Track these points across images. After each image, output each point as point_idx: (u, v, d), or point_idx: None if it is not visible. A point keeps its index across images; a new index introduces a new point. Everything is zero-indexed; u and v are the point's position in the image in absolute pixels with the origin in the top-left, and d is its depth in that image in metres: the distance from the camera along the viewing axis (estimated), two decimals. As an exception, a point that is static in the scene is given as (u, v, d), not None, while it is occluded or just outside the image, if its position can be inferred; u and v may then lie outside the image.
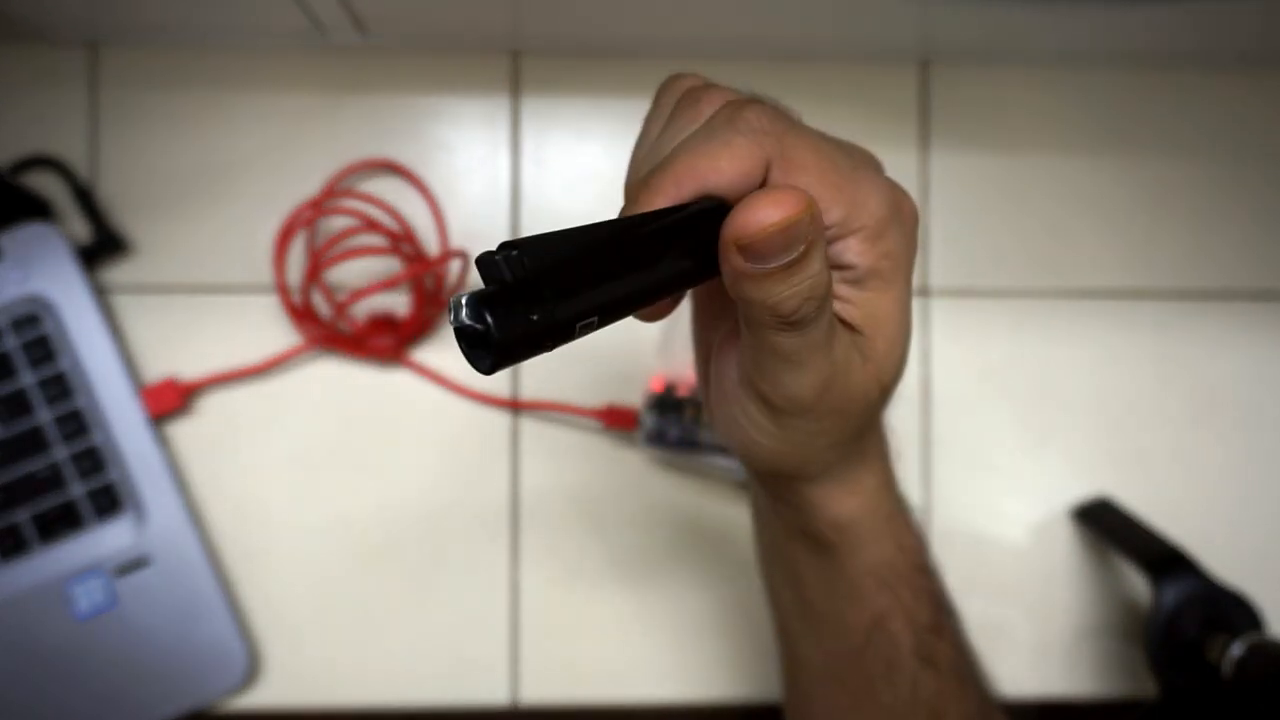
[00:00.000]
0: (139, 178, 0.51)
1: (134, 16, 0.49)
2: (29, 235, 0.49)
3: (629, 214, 0.24)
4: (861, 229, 0.25)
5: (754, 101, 0.25)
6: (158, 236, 0.51)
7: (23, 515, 0.48)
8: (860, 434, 0.29)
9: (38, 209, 0.49)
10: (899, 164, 0.53)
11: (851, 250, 0.25)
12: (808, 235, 0.22)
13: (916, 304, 0.53)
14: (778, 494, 0.31)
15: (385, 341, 0.49)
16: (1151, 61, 0.54)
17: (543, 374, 0.51)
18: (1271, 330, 0.54)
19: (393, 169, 0.51)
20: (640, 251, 0.22)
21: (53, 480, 0.48)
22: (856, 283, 0.26)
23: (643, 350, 0.51)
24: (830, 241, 0.25)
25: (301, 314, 0.49)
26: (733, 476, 0.50)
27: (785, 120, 0.25)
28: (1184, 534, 0.48)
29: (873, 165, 0.27)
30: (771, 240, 0.22)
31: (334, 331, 0.50)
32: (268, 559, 0.50)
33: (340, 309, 0.48)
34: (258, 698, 0.49)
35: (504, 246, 0.20)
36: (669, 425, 0.48)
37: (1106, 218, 0.54)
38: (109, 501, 0.48)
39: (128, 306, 0.50)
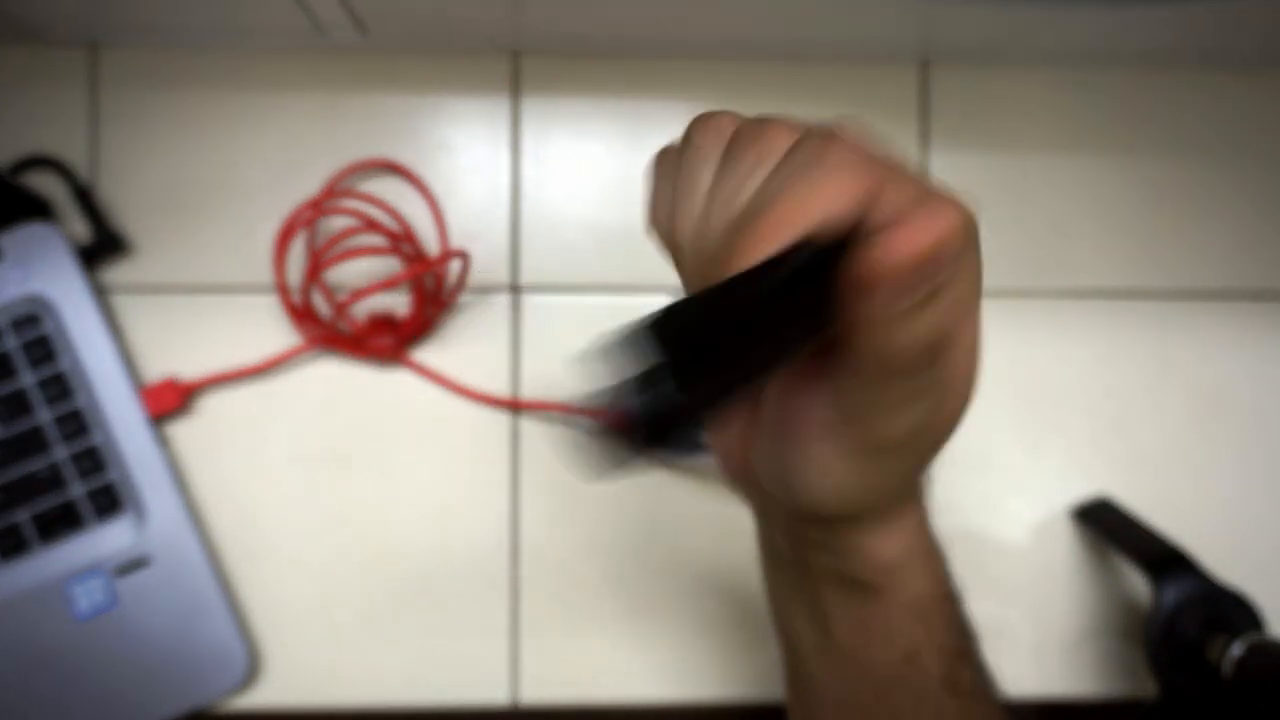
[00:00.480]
0: (139, 178, 0.51)
1: (134, 16, 0.49)
2: (29, 235, 0.49)
3: (723, 275, 0.19)
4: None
5: (831, 133, 0.22)
6: (158, 236, 0.51)
7: (23, 515, 0.48)
8: (915, 472, 0.27)
9: (38, 209, 0.49)
10: (899, 164, 0.53)
11: None
12: (956, 240, 0.20)
13: (916, 304, 0.53)
14: (818, 541, 0.29)
15: (385, 341, 0.49)
16: (1151, 61, 0.54)
17: (543, 374, 0.51)
18: (1272, 330, 0.54)
19: (393, 169, 0.51)
20: (765, 313, 0.18)
21: (53, 480, 0.48)
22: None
23: (643, 350, 0.51)
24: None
25: (301, 314, 0.49)
26: (733, 476, 0.50)
27: (873, 151, 0.22)
28: (1184, 534, 0.48)
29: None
30: (922, 266, 0.19)
31: (334, 331, 0.50)
32: (268, 559, 0.50)
33: (340, 309, 0.48)
34: (258, 697, 0.49)
35: (650, 325, 0.17)
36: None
37: (1107, 217, 0.54)
38: (109, 501, 0.48)
39: (128, 306, 0.50)
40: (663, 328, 0.17)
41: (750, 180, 0.22)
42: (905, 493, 0.28)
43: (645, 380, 0.16)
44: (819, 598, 0.30)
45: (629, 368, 0.17)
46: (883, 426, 0.23)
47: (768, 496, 0.28)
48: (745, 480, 0.29)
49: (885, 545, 0.28)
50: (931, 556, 0.30)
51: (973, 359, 0.24)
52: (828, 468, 0.25)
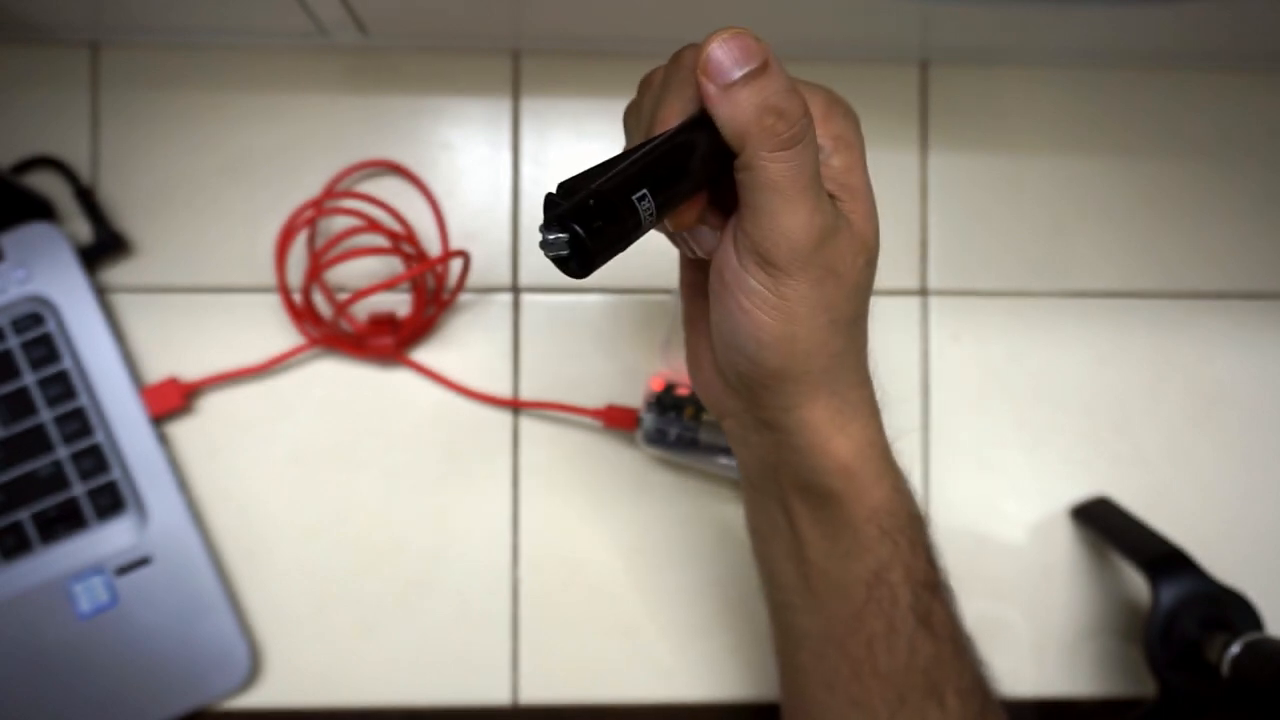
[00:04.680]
0: (140, 178, 0.51)
1: (136, 17, 0.49)
2: (31, 235, 0.49)
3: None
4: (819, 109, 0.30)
5: (674, 56, 0.30)
6: (159, 236, 0.51)
7: (24, 514, 0.48)
8: (855, 319, 0.31)
9: (40, 209, 0.50)
10: (899, 164, 0.53)
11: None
12: (759, 50, 0.27)
13: (915, 304, 0.53)
14: (781, 435, 0.32)
15: (386, 341, 0.49)
16: (1151, 61, 0.54)
17: (543, 374, 0.51)
18: (1270, 330, 0.54)
19: (393, 169, 0.51)
20: (664, 151, 0.28)
21: (54, 479, 0.48)
22: (823, 159, 0.30)
23: (643, 350, 0.51)
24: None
25: (302, 314, 0.49)
26: (733, 476, 0.50)
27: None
28: (1182, 533, 0.49)
29: (812, 84, 0.31)
30: (727, 53, 0.27)
31: (335, 331, 0.50)
32: (269, 558, 0.50)
33: (341, 309, 0.48)
34: (259, 697, 0.49)
35: (559, 186, 0.27)
36: (669, 425, 0.48)
37: (1106, 218, 0.54)
38: (110, 501, 0.48)
39: (129, 306, 0.51)
40: (577, 179, 0.27)
41: (648, 109, 0.31)
42: (846, 365, 0.31)
43: (567, 214, 0.26)
44: (792, 517, 0.34)
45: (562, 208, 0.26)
46: (779, 229, 0.29)
47: (734, 400, 0.34)
48: (715, 390, 0.34)
49: (839, 444, 0.32)
50: (890, 471, 0.33)
51: (864, 203, 0.31)
52: (752, 306, 0.30)
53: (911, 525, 0.33)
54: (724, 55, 0.27)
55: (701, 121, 0.28)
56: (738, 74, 0.27)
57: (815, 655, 0.35)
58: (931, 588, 0.33)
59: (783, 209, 0.28)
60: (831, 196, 0.30)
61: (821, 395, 0.31)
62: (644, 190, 0.26)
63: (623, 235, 0.27)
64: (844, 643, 0.33)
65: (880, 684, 0.33)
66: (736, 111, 0.27)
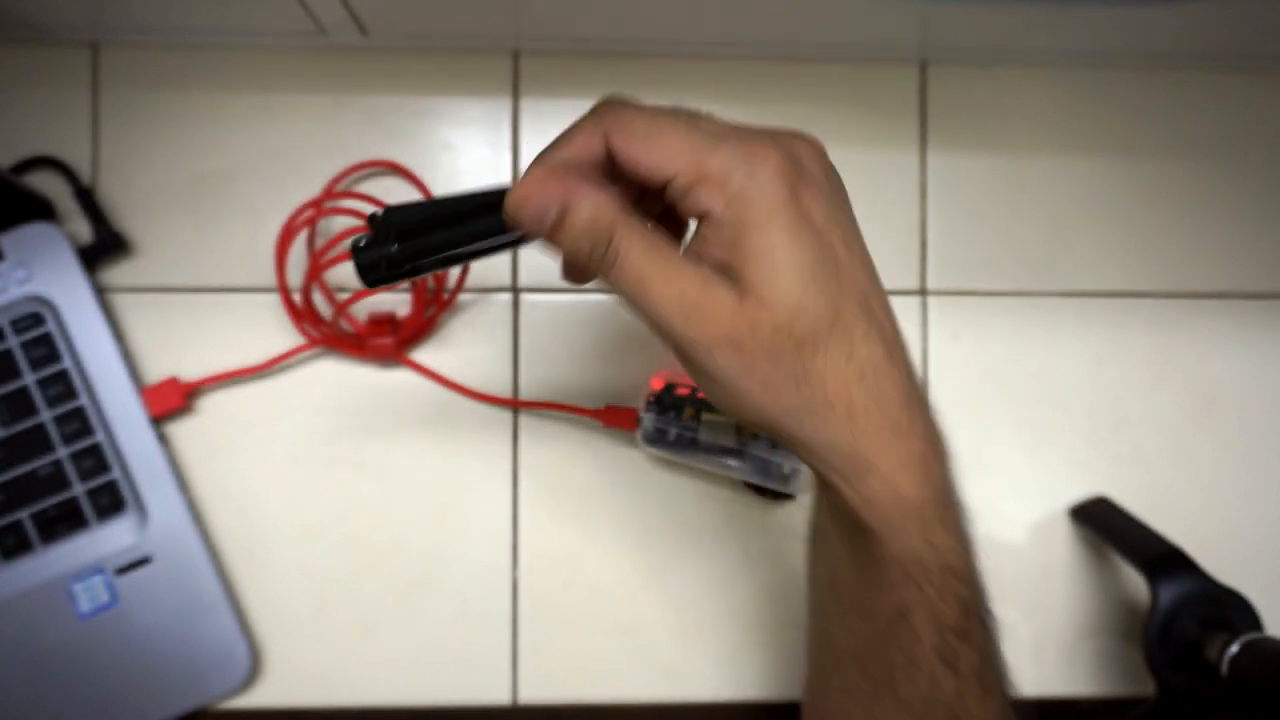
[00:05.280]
0: (141, 178, 0.51)
1: (136, 17, 0.49)
2: (31, 235, 0.49)
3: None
4: (705, 178, 0.29)
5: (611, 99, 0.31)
6: (159, 236, 0.51)
7: (24, 514, 0.48)
8: (799, 379, 0.30)
9: (40, 209, 0.50)
10: (899, 164, 0.53)
11: (702, 198, 0.29)
12: (550, 198, 0.30)
13: (915, 303, 0.53)
14: (801, 459, 0.33)
15: (386, 341, 0.50)
16: (1151, 61, 0.54)
17: (543, 374, 0.51)
18: (1269, 330, 0.54)
19: (393, 169, 0.51)
20: (470, 216, 0.32)
21: (55, 479, 0.48)
22: (719, 224, 0.29)
23: (643, 349, 0.51)
24: (685, 191, 0.30)
25: (302, 314, 0.49)
26: (733, 475, 0.50)
27: (635, 106, 0.31)
28: (1181, 533, 0.49)
29: (737, 136, 0.30)
30: (520, 217, 0.30)
31: (335, 331, 0.50)
32: (269, 558, 0.50)
33: (341, 309, 0.48)
34: (259, 697, 0.49)
35: (385, 210, 0.33)
36: (669, 424, 0.48)
37: (1105, 218, 0.54)
38: (111, 500, 0.48)
39: (129, 306, 0.51)
40: (393, 212, 0.33)
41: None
42: (816, 413, 0.30)
43: (376, 237, 0.33)
44: (831, 534, 0.34)
45: (375, 231, 0.33)
46: (652, 325, 0.31)
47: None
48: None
49: (868, 483, 0.31)
50: (926, 519, 0.32)
51: (768, 269, 0.29)
52: (702, 388, 0.32)
53: (946, 577, 0.32)
54: (528, 216, 0.30)
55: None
56: (547, 225, 0.30)
57: (839, 664, 0.35)
58: (962, 634, 0.32)
59: (644, 305, 0.30)
60: (725, 265, 0.30)
61: (814, 441, 0.31)
62: (430, 256, 0.33)
63: (399, 272, 0.33)
64: (865, 663, 0.33)
65: (899, 708, 0.32)
66: (559, 251, 0.31)
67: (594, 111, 0.31)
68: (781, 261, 0.29)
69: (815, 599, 0.36)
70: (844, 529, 0.33)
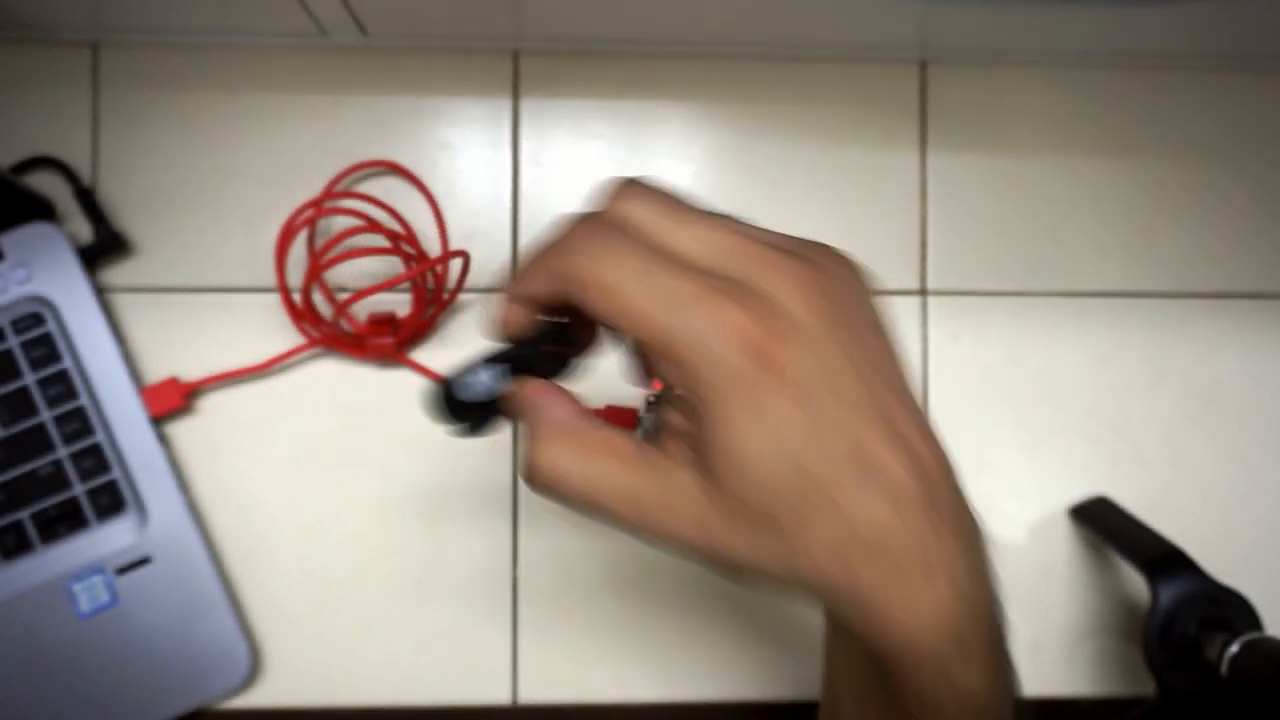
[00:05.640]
0: (141, 178, 0.51)
1: (136, 17, 0.49)
2: (31, 235, 0.49)
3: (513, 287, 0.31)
4: (665, 352, 0.26)
5: (591, 226, 0.28)
6: (159, 237, 0.51)
7: (24, 514, 0.48)
8: (785, 553, 0.27)
9: (40, 209, 0.50)
10: (899, 164, 0.53)
11: (663, 372, 0.27)
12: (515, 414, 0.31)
13: (915, 304, 0.53)
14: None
15: (386, 341, 0.50)
16: (1151, 61, 0.54)
17: (543, 374, 0.51)
18: (1269, 330, 0.54)
19: (393, 169, 0.51)
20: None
21: (55, 479, 0.48)
22: (681, 400, 0.27)
23: (643, 350, 0.51)
24: (650, 357, 0.27)
25: (302, 314, 0.49)
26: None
27: (616, 249, 0.27)
28: (1181, 533, 0.48)
29: (709, 294, 0.26)
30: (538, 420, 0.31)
31: (335, 331, 0.50)
32: (269, 558, 0.50)
33: (341, 309, 0.48)
34: (259, 697, 0.49)
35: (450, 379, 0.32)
36: (669, 425, 0.48)
37: (1105, 218, 0.54)
38: (111, 500, 0.48)
39: (129, 306, 0.51)
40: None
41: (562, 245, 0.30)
42: (804, 568, 0.27)
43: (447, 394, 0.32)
44: (855, 664, 0.31)
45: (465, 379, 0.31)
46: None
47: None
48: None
49: (887, 627, 0.28)
50: (945, 659, 0.28)
51: (725, 460, 0.27)
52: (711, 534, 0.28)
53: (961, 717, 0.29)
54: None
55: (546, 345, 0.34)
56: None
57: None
58: None
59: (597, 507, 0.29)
60: (694, 440, 0.27)
61: (822, 596, 0.28)
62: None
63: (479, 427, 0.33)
64: None
65: None
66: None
67: (569, 240, 0.28)
68: (736, 446, 0.26)
69: (829, 677, 0.34)
70: (866, 661, 0.30)
